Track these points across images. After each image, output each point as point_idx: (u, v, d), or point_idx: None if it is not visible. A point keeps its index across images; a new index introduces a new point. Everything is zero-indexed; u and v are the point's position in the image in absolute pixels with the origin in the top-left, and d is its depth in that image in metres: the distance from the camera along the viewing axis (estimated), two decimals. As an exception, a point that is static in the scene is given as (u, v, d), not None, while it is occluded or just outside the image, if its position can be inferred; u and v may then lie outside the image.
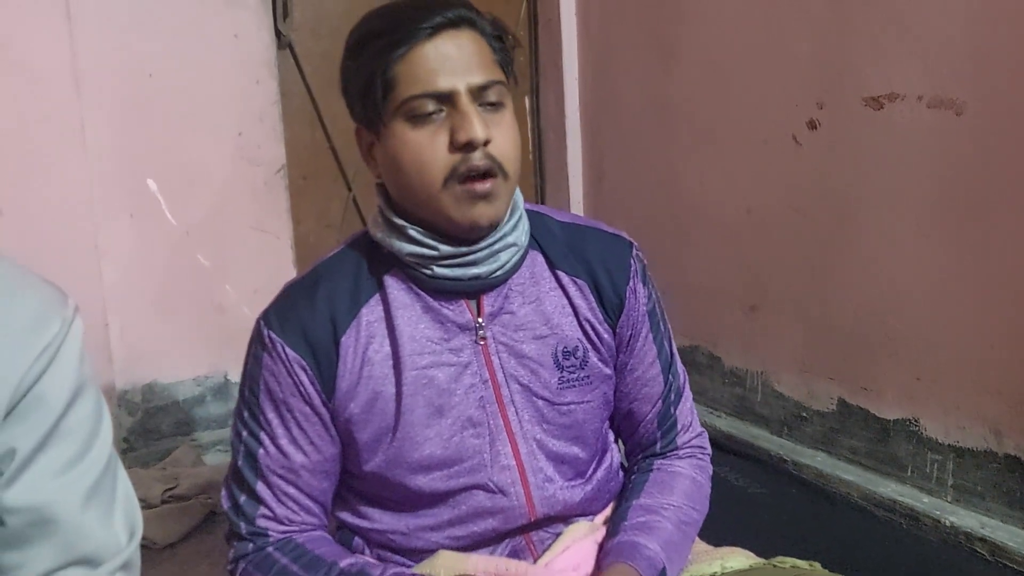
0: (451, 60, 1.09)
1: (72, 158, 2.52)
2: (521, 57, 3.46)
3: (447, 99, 1.08)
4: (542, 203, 3.52)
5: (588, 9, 3.23)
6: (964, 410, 2.02)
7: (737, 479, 2.39)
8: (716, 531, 1.36)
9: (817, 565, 1.26)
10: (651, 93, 2.93)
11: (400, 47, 1.08)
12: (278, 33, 2.88)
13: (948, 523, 1.98)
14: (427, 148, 1.09)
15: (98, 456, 0.94)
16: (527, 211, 1.24)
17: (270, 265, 2.83)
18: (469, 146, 1.07)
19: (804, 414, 2.46)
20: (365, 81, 1.11)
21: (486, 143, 1.08)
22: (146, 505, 2.18)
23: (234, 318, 2.73)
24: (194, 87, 2.73)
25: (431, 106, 1.08)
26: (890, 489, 2.15)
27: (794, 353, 2.47)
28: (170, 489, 2.26)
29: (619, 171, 3.19)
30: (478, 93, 1.09)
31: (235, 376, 2.66)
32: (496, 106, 1.12)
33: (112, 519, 0.94)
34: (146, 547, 2.04)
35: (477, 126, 1.07)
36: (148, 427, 2.71)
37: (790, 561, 1.27)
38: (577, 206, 3.40)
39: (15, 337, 0.84)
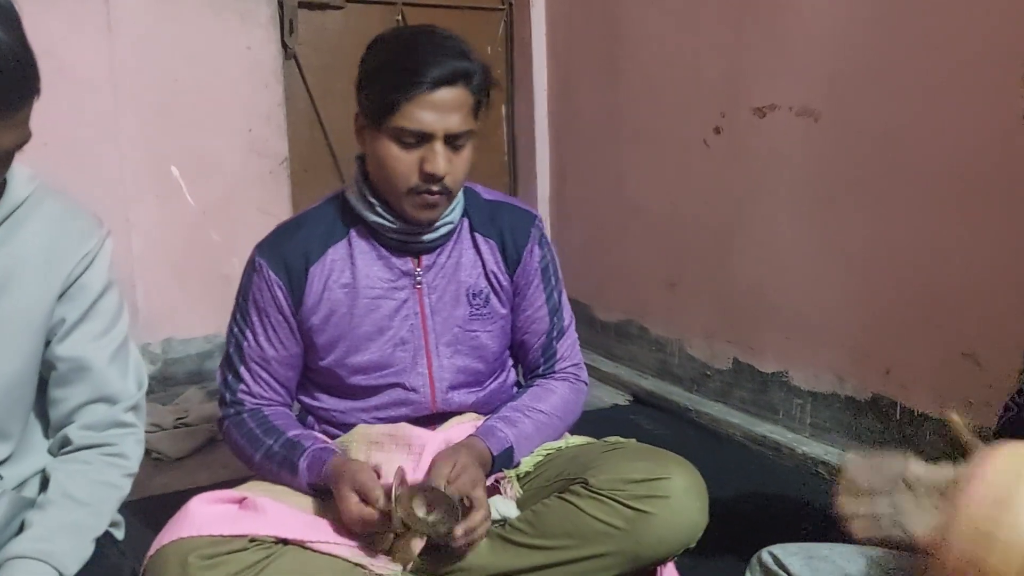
0: (440, 110, 1.43)
1: (108, 148, 2.96)
2: (499, 70, 3.91)
3: (427, 137, 1.46)
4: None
5: (555, 30, 3.67)
6: (818, 362, 2.46)
7: (647, 424, 2.82)
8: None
9: (633, 440, 1.70)
10: (602, 105, 3.38)
11: (406, 91, 1.42)
12: (285, 46, 3.33)
13: (801, 452, 2.42)
14: (402, 165, 1.47)
15: (119, 331, 1.35)
16: (465, 187, 1.65)
17: (272, 242, 3.27)
18: (432, 177, 1.47)
19: (708, 372, 2.90)
20: (374, 98, 1.47)
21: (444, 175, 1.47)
22: (160, 428, 2.66)
23: (240, 286, 3.16)
24: (212, 90, 3.18)
25: (413, 139, 1.46)
26: (765, 428, 2.59)
27: (702, 322, 2.91)
28: (181, 419, 2.74)
29: (578, 172, 3.63)
30: (451, 138, 1.47)
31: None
32: (461, 147, 1.49)
33: (127, 374, 1.34)
34: (159, 459, 2.53)
35: (442, 165, 1.45)
36: (165, 375, 3.18)
37: (615, 439, 1.71)
38: (544, 203, 3.83)
39: (68, 245, 1.25)
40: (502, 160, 3.96)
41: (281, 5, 3.32)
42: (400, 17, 3.60)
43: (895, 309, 2.22)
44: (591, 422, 2.67)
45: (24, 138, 1.10)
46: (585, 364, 3.18)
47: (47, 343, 1.26)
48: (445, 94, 1.44)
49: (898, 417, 2.22)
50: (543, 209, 3.82)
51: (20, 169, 1.21)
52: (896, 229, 2.21)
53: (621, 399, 3.11)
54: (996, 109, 1.95)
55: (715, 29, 2.73)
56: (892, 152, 2.20)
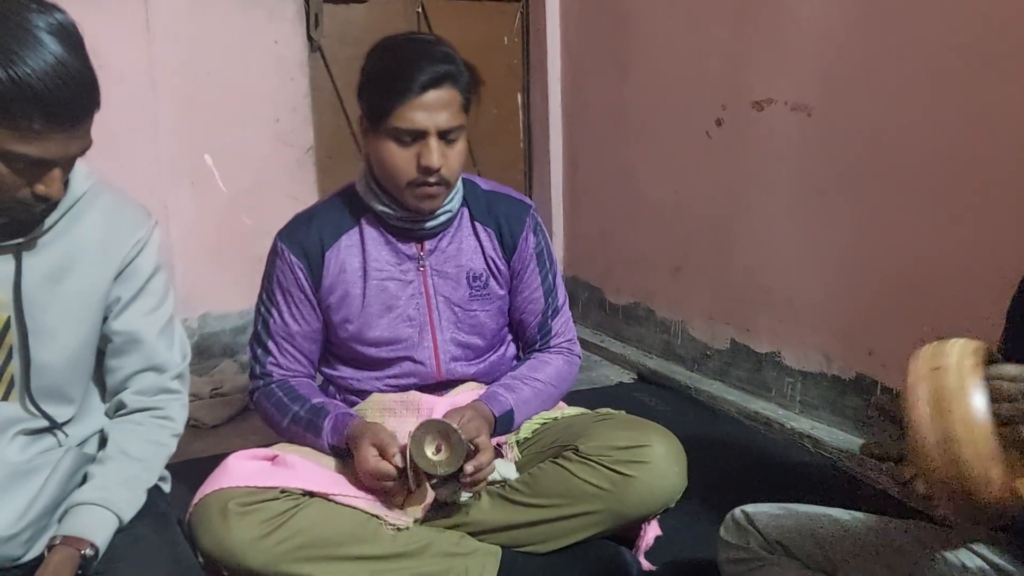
0: (430, 110, 1.58)
1: (146, 138, 3.13)
2: (515, 60, 4.06)
3: (421, 135, 1.61)
4: (529, 186, 4.10)
5: (568, 22, 3.80)
6: (808, 343, 2.62)
7: (650, 400, 2.99)
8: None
9: (622, 412, 1.87)
10: (611, 97, 3.51)
11: (398, 96, 1.57)
12: (310, 39, 3.48)
13: (790, 427, 2.58)
14: (401, 161, 1.63)
15: (167, 309, 1.50)
16: (465, 179, 1.82)
17: (299, 226, 3.45)
18: (428, 170, 1.62)
19: (708, 352, 3.06)
20: (373, 104, 1.64)
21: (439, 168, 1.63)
22: (197, 398, 2.86)
23: (269, 267, 3.34)
24: (242, 83, 3.34)
25: (408, 137, 1.61)
26: (758, 405, 2.75)
27: (703, 305, 3.07)
28: (216, 389, 2.94)
29: (589, 161, 3.77)
30: (443, 134, 1.62)
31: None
32: (453, 141, 1.65)
33: (173, 347, 1.50)
34: (197, 426, 2.72)
35: (436, 159, 1.61)
36: (202, 348, 3.38)
37: (606, 410, 1.88)
38: (557, 190, 3.97)
39: (122, 233, 1.41)
40: (518, 147, 4.10)
41: (307, 0, 3.46)
42: (420, 10, 3.75)
43: (878, 295, 2.37)
44: (597, 399, 2.85)
45: (87, 146, 1.25)
46: (595, 344, 3.38)
47: (104, 319, 1.42)
48: (433, 95, 1.59)
49: (879, 395, 2.37)
50: (556, 197, 3.97)
51: (79, 167, 1.36)
52: (879, 221, 2.35)
53: (626, 377, 3.28)
54: (974, 110, 2.09)
55: (717, 25, 2.87)
56: (877, 148, 2.34)
